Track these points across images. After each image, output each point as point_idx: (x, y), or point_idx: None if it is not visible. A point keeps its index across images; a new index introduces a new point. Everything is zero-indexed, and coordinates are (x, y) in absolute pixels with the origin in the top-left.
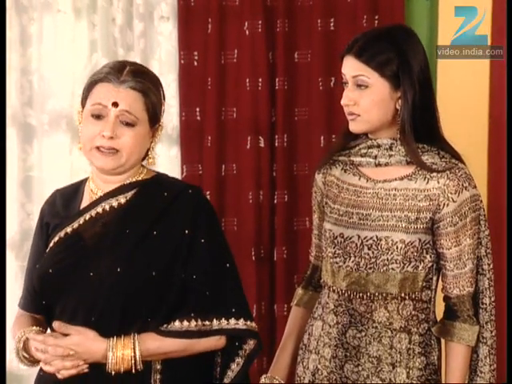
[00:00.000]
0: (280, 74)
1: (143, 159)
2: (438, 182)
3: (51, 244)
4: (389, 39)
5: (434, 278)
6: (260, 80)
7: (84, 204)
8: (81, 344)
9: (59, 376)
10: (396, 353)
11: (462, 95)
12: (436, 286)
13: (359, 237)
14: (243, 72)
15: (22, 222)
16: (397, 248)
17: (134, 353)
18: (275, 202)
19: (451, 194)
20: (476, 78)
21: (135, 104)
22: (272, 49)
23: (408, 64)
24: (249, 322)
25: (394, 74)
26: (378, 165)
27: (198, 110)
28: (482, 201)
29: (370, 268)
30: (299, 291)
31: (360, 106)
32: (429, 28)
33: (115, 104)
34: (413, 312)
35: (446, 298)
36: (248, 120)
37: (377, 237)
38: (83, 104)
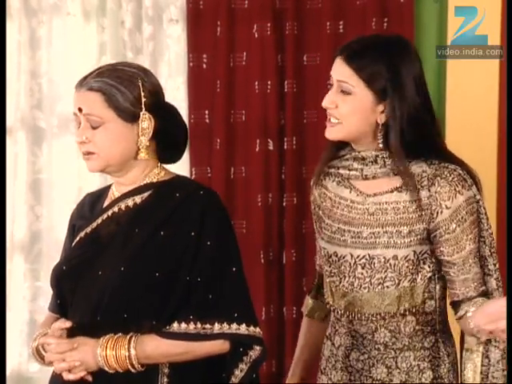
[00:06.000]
0: (289, 76)
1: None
2: (429, 191)
3: (73, 244)
4: (383, 51)
5: (437, 287)
6: (269, 83)
7: (106, 205)
8: (79, 345)
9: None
10: (401, 373)
11: (471, 96)
12: (441, 295)
13: (352, 256)
14: (252, 75)
15: (31, 224)
16: (390, 265)
17: (129, 352)
18: (284, 204)
19: (444, 201)
20: (485, 79)
21: (94, 104)
22: (281, 51)
23: (399, 80)
24: (252, 328)
25: (381, 88)
26: (366, 178)
27: (206, 112)
28: (479, 200)
29: (365, 288)
30: (309, 301)
31: (340, 111)
32: (438, 30)
33: (79, 109)
34: (416, 327)
35: (456, 303)
36: (257, 123)
37: (369, 255)
38: None
